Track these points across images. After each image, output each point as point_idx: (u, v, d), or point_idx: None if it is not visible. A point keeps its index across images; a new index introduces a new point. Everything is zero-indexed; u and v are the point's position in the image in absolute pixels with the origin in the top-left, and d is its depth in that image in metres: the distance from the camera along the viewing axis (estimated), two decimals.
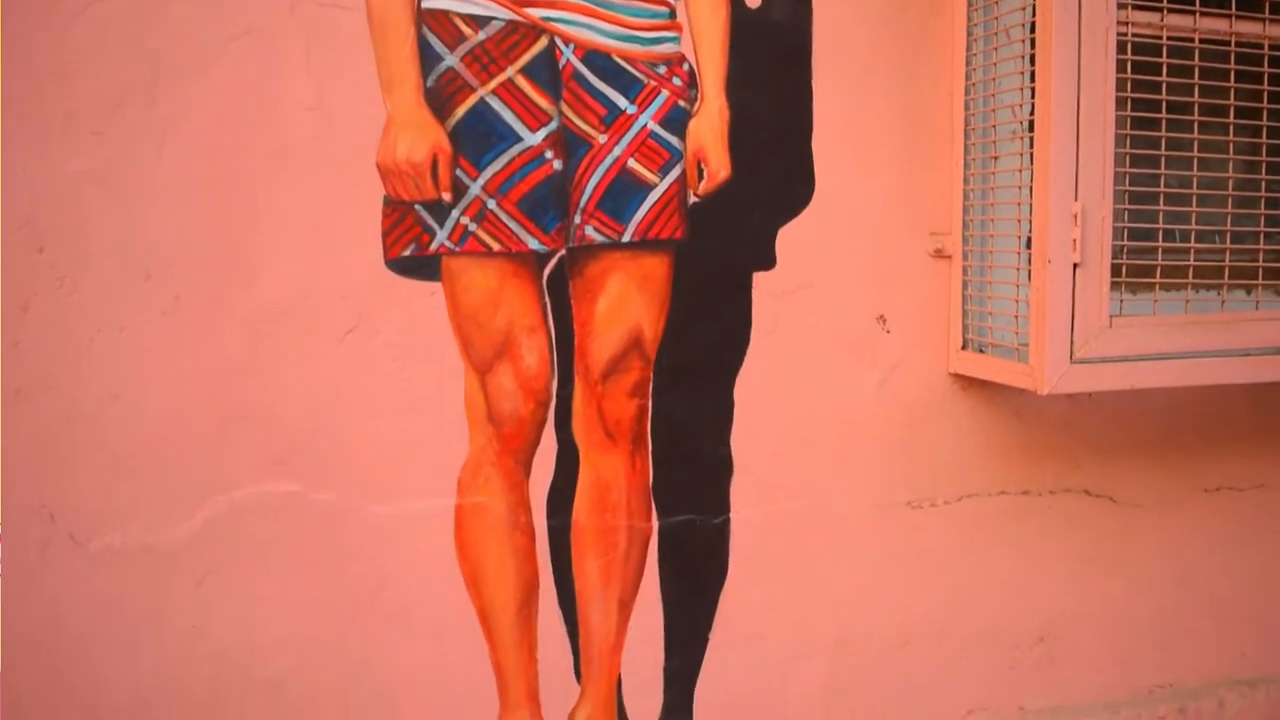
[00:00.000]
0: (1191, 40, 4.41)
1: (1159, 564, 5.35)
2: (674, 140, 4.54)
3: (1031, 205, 4.42)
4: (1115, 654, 5.35)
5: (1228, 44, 4.45)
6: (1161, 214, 4.56)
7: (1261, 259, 4.62)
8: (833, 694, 4.82)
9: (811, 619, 4.82)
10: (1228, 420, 5.35)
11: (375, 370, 4.34)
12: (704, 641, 4.68)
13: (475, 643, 4.51)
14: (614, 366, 4.54)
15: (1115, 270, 4.56)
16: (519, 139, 4.36)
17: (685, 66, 4.58)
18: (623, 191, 4.53)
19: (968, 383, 4.87)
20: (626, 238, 4.51)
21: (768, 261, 4.68)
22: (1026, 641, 5.00)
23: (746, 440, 4.73)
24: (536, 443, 4.48)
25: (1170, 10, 4.33)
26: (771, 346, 4.71)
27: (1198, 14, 4.36)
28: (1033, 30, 4.40)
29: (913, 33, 4.76)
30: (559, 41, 4.42)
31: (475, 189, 4.39)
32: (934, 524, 4.92)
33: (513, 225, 4.39)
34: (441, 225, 4.36)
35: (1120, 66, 4.45)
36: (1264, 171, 4.63)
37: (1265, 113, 4.59)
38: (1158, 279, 4.59)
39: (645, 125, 4.53)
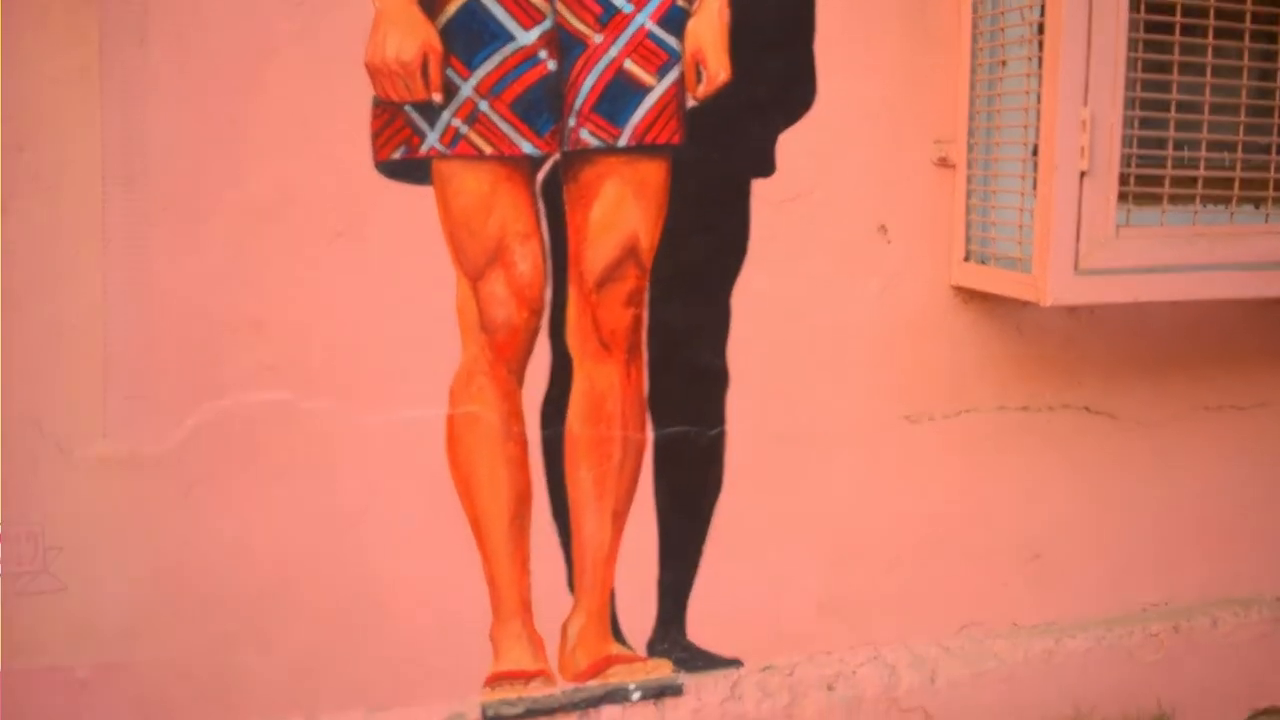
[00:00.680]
0: None
1: (1157, 482, 5.22)
2: (672, 41, 4.37)
3: (1039, 112, 4.21)
4: (1110, 571, 5.23)
5: None
6: (1172, 123, 4.39)
7: (1273, 171, 4.44)
8: (827, 607, 4.72)
9: (807, 533, 4.69)
10: (1231, 338, 5.19)
11: (365, 276, 4.19)
12: (698, 554, 4.59)
13: (468, 554, 4.39)
14: (609, 275, 4.39)
15: (1123, 180, 4.36)
16: (512, 38, 4.20)
17: None
18: (619, 94, 4.35)
19: (969, 295, 4.70)
20: (622, 142, 4.33)
21: (767, 168, 4.51)
22: (1022, 557, 4.89)
23: (743, 351, 4.58)
24: (529, 352, 4.35)
25: None
26: (770, 256, 4.56)
27: None
28: None
29: None
30: None
31: (467, 90, 4.22)
32: (931, 438, 4.79)
33: (505, 128, 4.23)
34: (432, 127, 4.19)
35: None
36: (1278, 82, 4.45)
37: None
38: (1166, 189, 4.41)
39: (642, 25, 4.35)
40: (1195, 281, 4.44)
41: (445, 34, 4.22)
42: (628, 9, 4.40)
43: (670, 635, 4.60)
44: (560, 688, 4.50)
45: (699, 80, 4.44)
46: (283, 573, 4.30)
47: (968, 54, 4.68)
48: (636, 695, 4.56)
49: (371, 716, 4.41)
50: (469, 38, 4.23)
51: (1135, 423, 5.20)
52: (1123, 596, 5.25)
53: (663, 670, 4.60)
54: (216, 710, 4.30)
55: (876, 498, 4.80)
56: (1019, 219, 4.39)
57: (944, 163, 4.69)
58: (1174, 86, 4.40)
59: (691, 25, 4.43)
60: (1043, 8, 4.27)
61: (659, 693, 4.57)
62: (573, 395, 4.55)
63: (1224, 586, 5.33)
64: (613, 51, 4.35)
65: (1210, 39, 4.39)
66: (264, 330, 4.14)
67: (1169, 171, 4.39)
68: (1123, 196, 4.37)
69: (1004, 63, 4.47)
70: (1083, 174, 4.29)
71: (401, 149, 4.23)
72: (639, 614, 4.63)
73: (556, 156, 4.37)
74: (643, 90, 4.39)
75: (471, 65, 4.24)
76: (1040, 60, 4.26)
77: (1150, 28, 4.40)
